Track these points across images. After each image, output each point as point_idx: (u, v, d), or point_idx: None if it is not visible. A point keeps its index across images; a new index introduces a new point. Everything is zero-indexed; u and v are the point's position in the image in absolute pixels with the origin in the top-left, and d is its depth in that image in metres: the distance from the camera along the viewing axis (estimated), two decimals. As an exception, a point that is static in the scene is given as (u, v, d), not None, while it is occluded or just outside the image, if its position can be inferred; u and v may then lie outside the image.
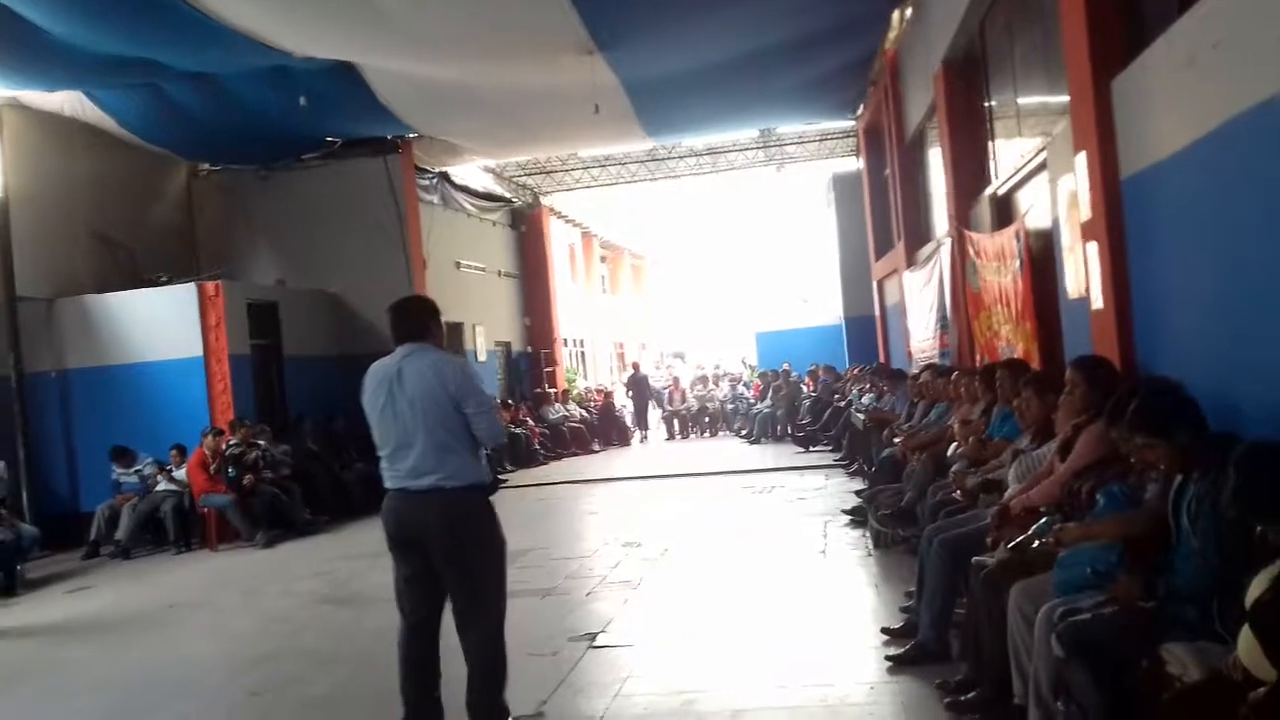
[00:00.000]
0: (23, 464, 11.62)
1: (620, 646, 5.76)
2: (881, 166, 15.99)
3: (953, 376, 8.28)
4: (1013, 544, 4.17)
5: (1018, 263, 7.27)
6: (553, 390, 20.66)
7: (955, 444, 6.75)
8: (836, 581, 6.94)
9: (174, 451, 11.31)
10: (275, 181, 15.10)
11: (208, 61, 10.68)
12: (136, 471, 11.31)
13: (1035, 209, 7.28)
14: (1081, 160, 5.34)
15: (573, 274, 26.06)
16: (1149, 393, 3.55)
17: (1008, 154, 8.48)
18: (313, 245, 14.90)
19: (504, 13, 9.79)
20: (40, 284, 12.17)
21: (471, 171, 19.06)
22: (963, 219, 9.57)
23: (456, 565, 4.17)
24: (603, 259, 30.69)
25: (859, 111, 17.07)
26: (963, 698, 4.24)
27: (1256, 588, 2.55)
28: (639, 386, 22.10)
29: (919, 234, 13.08)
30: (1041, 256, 6.93)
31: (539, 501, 12.60)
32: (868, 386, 13.51)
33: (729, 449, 17.64)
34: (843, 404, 14.97)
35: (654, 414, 22.85)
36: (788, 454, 15.48)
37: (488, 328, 18.97)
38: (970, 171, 9.61)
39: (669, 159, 20.64)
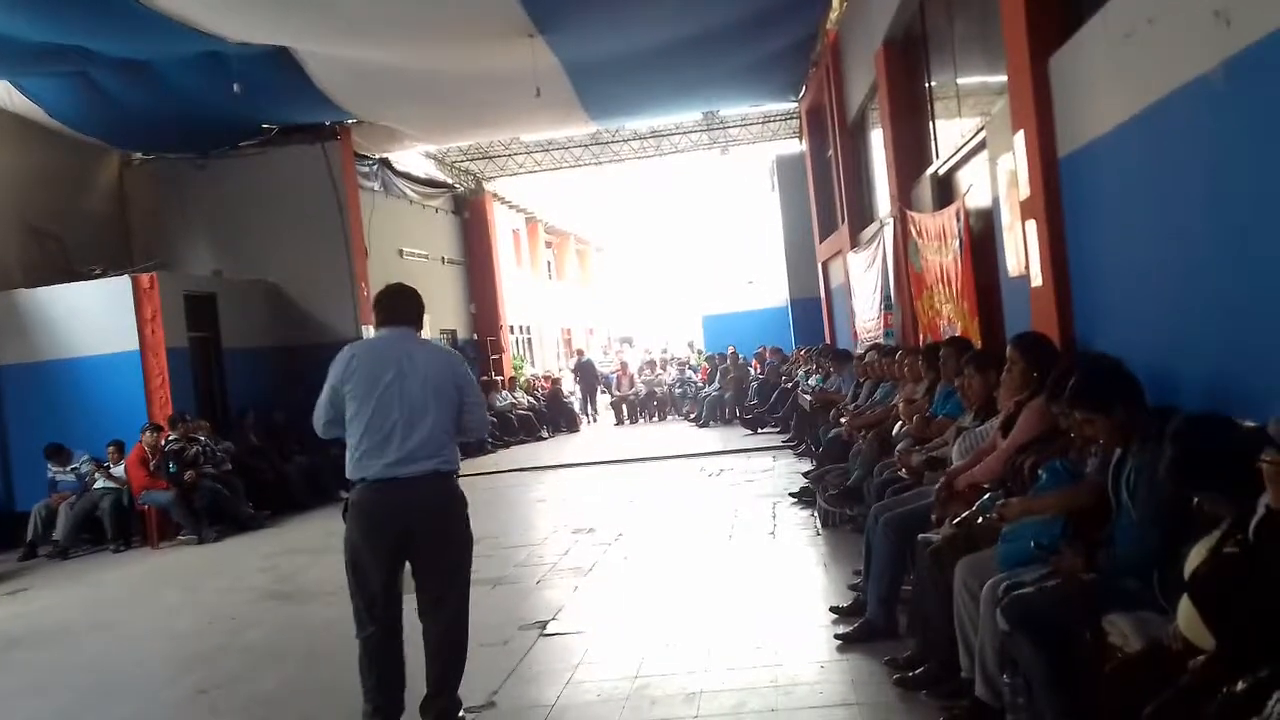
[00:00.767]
0: (-46, 464, 11.30)
1: (571, 633, 5.74)
2: (824, 148, 16.05)
3: (897, 356, 8.36)
4: (957, 520, 4.21)
5: (958, 242, 7.34)
6: (500, 378, 20.54)
7: (900, 423, 6.81)
8: (786, 562, 6.98)
9: (111, 448, 11.05)
10: (211, 170, 14.78)
11: (138, 48, 10.40)
12: (73, 469, 11.04)
13: (975, 188, 7.35)
14: (1020, 139, 5.38)
15: (518, 260, 25.89)
16: (1088, 369, 3.59)
17: (948, 133, 8.55)
18: (250, 235, 14.61)
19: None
20: (-32, 279, 11.82)
21: (413, 158, 18.83)
22: (905, 199, 9.64)
23: (445, 551, 4.16)
24: (548, 244, 30.53)
25: (801, 93, 17.12)
26: (911, 674, 4.28)
27: (1194, 558, 2.59)
28: (586, 372, 22.27)
29: (862, 215, 13.16)
30: (982, 235, 7.00)
31: (488, 490, 12.52)
32: (814, 368, 13.59)
33: (677, 433, 17.67)
34: (790, 385, 15.07)
35: (602, 399, 22.91)
36: (736, 436, 15.54)
37: (433, 316, 18.64)
38: (911, 151, 9.67)
39: (613, 142, 20.56)
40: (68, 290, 11.97)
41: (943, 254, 7.93)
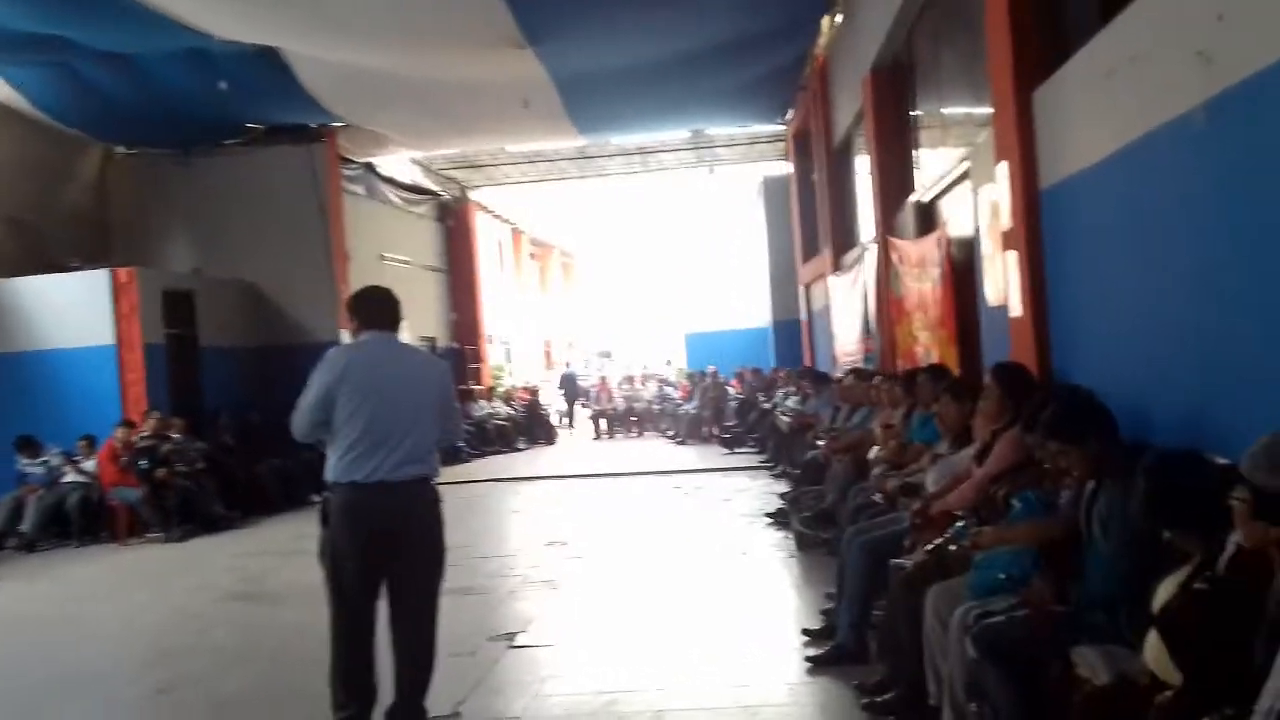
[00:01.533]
0: (-79, 454, 11.13)
1: (540, 646, 5.72)
2: (810, 171, 16.13)
3: (875, 381, 8.39)
4: (930, 547, 4.23)
5: (938, 270, 7.39)
6: (478, 387, 20.47)
7: (877, 447, 6.83)
8: (759, 582, 6.97)
9: (82, 442, 10.93)
10: (194, 167, 14.68)
11: (122, 41, 10.36)
12: (43, 462, 10.91)
13: (957, 217, 7.40)
14: (1003, 170, 5.43)
15: (501, 270, 25.82)
16: (1063, 400, 3.61)
17: (932, 162, 8.62)
18: (232, 234, 14.51)
19: (434, 2, 9.66)
20: (-56, 267, 11.71)
21: (398, 163, 18.77)
22: (888, 225, 9.70)
23: (425, 556, 4.16)
24: (532, 256, 30.47)
25: (789, 116, 17.21)
26: (879, 699, 4.28)
27: (1163, 594, 2.61)
28: (570, 384, 22.42)
29: (845, 239, 13.22)
30: (963, 264, 7.05)
31: (461, 500, 12.40)
32: (793, 389, 13.62)
33: (655, 449, 17.67)
34: (768, 406, 15.09)
35: (581, 412, 22.97)
36: (713, 455, 15.55)
37: (412, 322, 18.63)
38: (896, 179, 9.73)
39: (600, 157, 20.58)
40: (44, 282, 11.88)
41: (922, 281, 7.98)
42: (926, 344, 7.99)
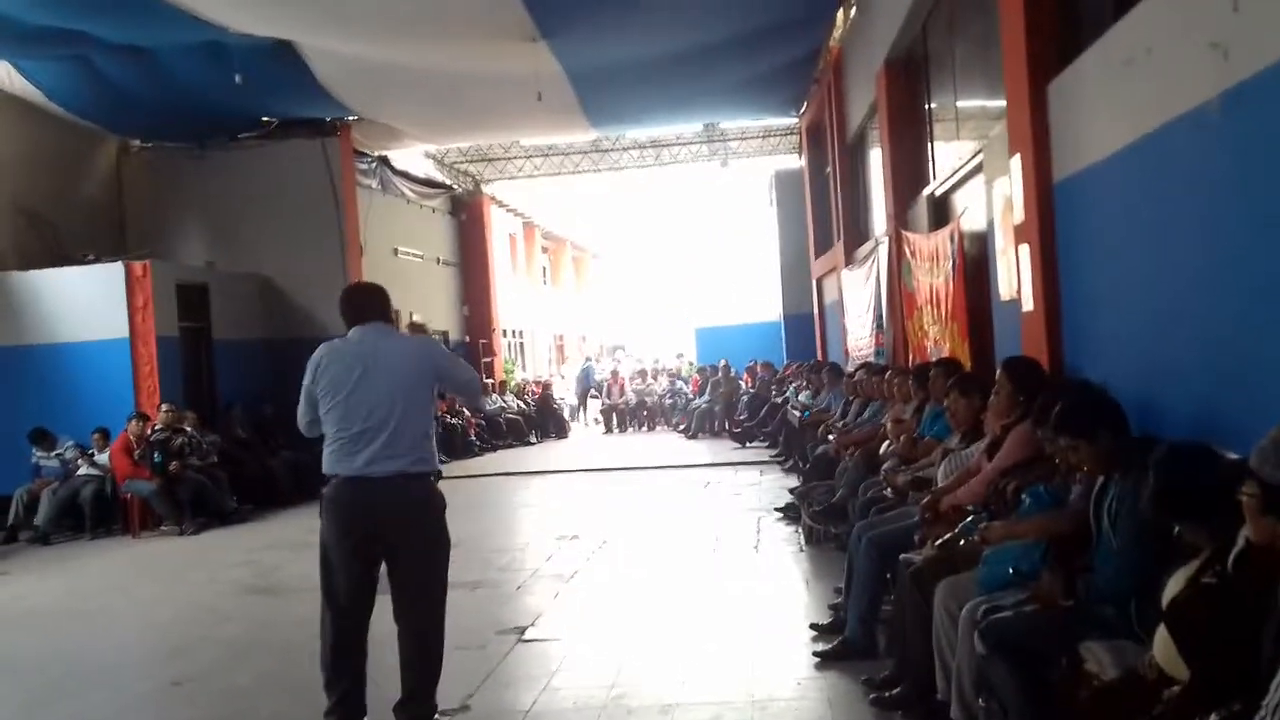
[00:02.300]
0: (-64, 446, 11.22)
1: (549, 640, 5.72)
2: (823, 164, 16.09)
3: (886, 375, 8.37)
4: (940, 541, 4.21)
5: (950, 264, 7.35)
6: (490, 381, 20.50)
7: (888, 442, 6.81)
8: (768, 577, 6.96)
9: (96, 435, 10.99)
10: (209, 161, 14.73)
11: (140, 34, 10.38)
12: (57, 455, 10.97)
13: (971, 211, 7.37)
14: (1016, 163, 5.40)
15: (513, 264, 25.87)
16: (1073, 395, 3.60)
17: (946, 155, 8.57)
18: (246, 227, 14.56)
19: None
20: (-40, 260, 11.78)
21: (412, 157, 18.81)
22: (901, 219, 9.66)
23: (415, 551, 4.09)
24: (544, 250, 30.51)
25: (802, 109, 17.17)
26: (887, 694, 4.27)
27: (1172, 587, 2.59)
28: (585, 378, 22.61)
29: (858, 233, 13.18)
30: (975, 258, 7.01)
31: (473, 493, 12.48)
32: (805, 383, 13.60)
33: (666, 443, 17.65)
34: (780, 400, 15.07)
35: (592, 404, 23.04)
36: (724, 449, 15.53)
37: (425, 316, 18.74)
38: (909, 172, 9.70)
39: (612, 150, 20.60)
40: (60, 275, 11.93)
41: (934, 275, 7.95)
42: (937, 338, 7.96)
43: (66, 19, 9.66)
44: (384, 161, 17.19)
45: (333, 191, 14.68)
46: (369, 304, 4.28)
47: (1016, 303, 5.68)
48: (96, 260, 12.26)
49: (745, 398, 17.71)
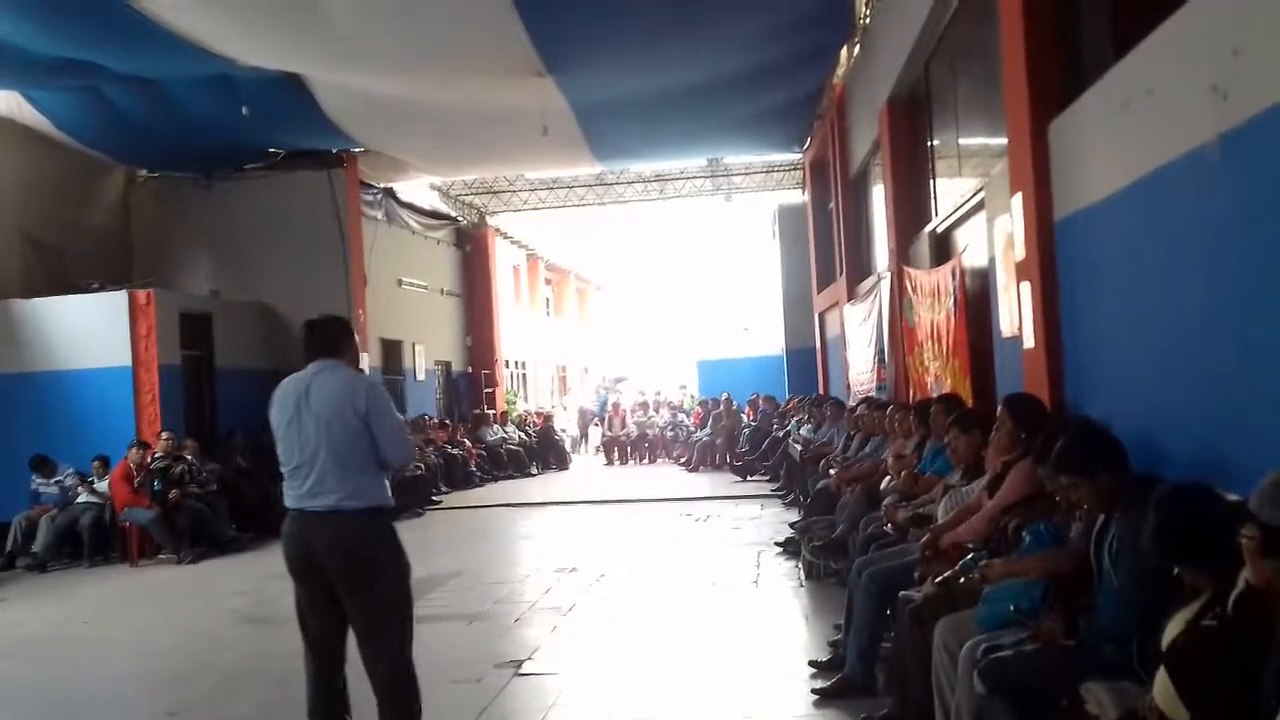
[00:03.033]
0: (-64, 472, 11.21)
1: (546, 674, 5.68)
2: (826, 200, 16.16)
3: (888, 411, 8.37)
4: (940, 579, 4.19)
5: (952, 300, 7.37)
6: (492, 411, 20.50)
7: (888, 477, 6.80)
8: (767, 612, 6.92)
9: (96, 462, 10.98)
10: (215, 191, 14.85)
11: (150, 66, 10.48)
12: (57, 482, 10.96)
13: (972, 248, 7.39)
14: (1018, 201, 5.43)
15: (516, 295, 25.94)
16: (1074, 433, 3.59)
17: (948, 192, 8.62)
18: (251, 257, 14.65)
19: (455, 31, 9.75)
20: (-35, 286, 11.83)
21: (417, 189, 18.92)
22: (903, 255, 9.69)
23: (355, 590, 4.02)
24: (548, 281, 30.61)
25: (805, 145, 17.27)
26: (886, 732, 4.24)
27: (1172, 629, 2.57)
28: (602, 406, 23.03)
29: (860, 268, 13.22)
30: (977, 295, 7.03)
31: (473, 524, 12.45)
32: (806, 417, 13.58)
33: (667, 476, 17.61)
34: (781, 434, 15.04)
35: (593, 437, 23.12)
36: (725, 483, 15.49)
37: (428, 346, 18.79)
38: (911, 208, 9.74)
39: (617, 184, 20.71)
40: (64, 302, 11.98)
41: (935, 311, 7.97)
42: (938, 374, 7.96)
43: (78, 50, 9.77)
44: (389, 193, 17.29)
45: (338, 222, 14.77)
46: (316, 339, 4.22)
47: (1018, 339, 5.69)
48: (102, 288, 12.32)
49: (746, 431, 17.69)
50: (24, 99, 11.61)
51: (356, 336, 4.40)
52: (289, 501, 4.10)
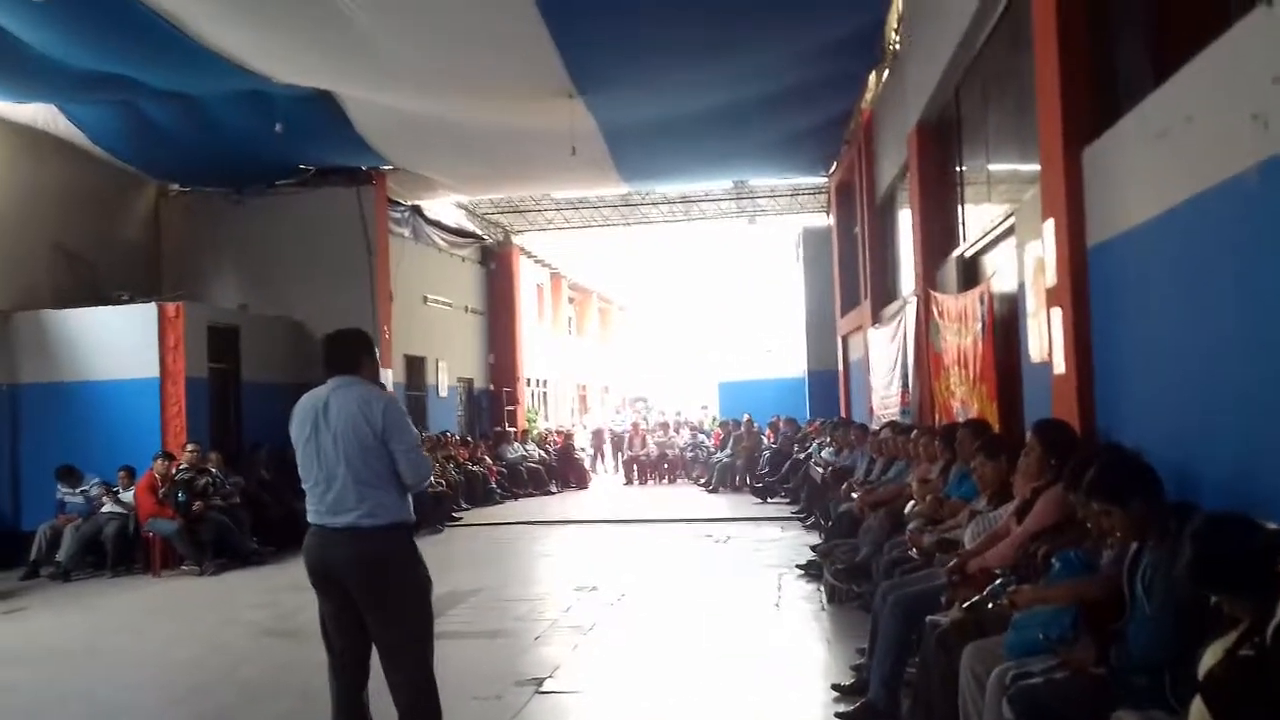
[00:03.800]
0: (-35, 479, 11.33)
1: (567, 693, 5.66)
2: (851, 224, 16.17)
3: (912, 435, 8.33)
4: (967, 604, 4.15)
5: (980, 325, 7.34)
6: (513, 429, 20.53)
7: (913, 502, 6.76)
8: (789, 635, 6.88)
9: (122, 473, 11.05)
10: (246, 206, 15.02)
11: (186, 82, 10.63)
12: (82, 492, 11.04)
13: (1001, 273, 7.37)
14: (1050, 227, 5.41)
15: (540, 314, 26.05)
16: (1107, 460, 3.56)
17: (977, 218, 8.59)
18: (279, 272, 14.78)
19: (490, 52, 9.86)
20: (-1, 295, 11.97)
21: (444, 207, 19.07)
22: (929, 279, 9.67)
23: (375, 606, 4.03)
24: (571, 300, 30.73)
25: (832, 169, 17.29)
26: (911, 759, 4.20)
27: (1209, 659, 2.55)
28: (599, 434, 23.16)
29: (885, 292, 13.20)
30: (1005, 320, 7.00)
31: (493, 541, 12.45)
32: (828, 440, 13.54)
33: (687, 496, 17.58)
34: (802, 457, 14.99)
35: (609, 456, 23.22)
36: (746, 504, 15.44)
37: (451, 363, 18.87)
38: (939, 233, 9.72)
39: (642, 205, 20.78)
40: (93, 314, 12.11)
41: (962, 336, 7.93)
42: (964, 399, 7.92)
43: (114, 65, 9.91)
44: (417, 211, 17.44)
45: (366, 239, 14.89)
46: (336, 354, 4.25)
47: (1047, 365, 5.66)
48: (131, 300, 12.45)
49: (767, 453, 17.64)
50: (59, 111, 11.77)
51: (377, 351, 4.40)
52: (311, 517, 4.13)
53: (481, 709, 5.23)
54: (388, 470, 4.03)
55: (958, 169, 9.36)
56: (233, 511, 11.08)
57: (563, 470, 19.92)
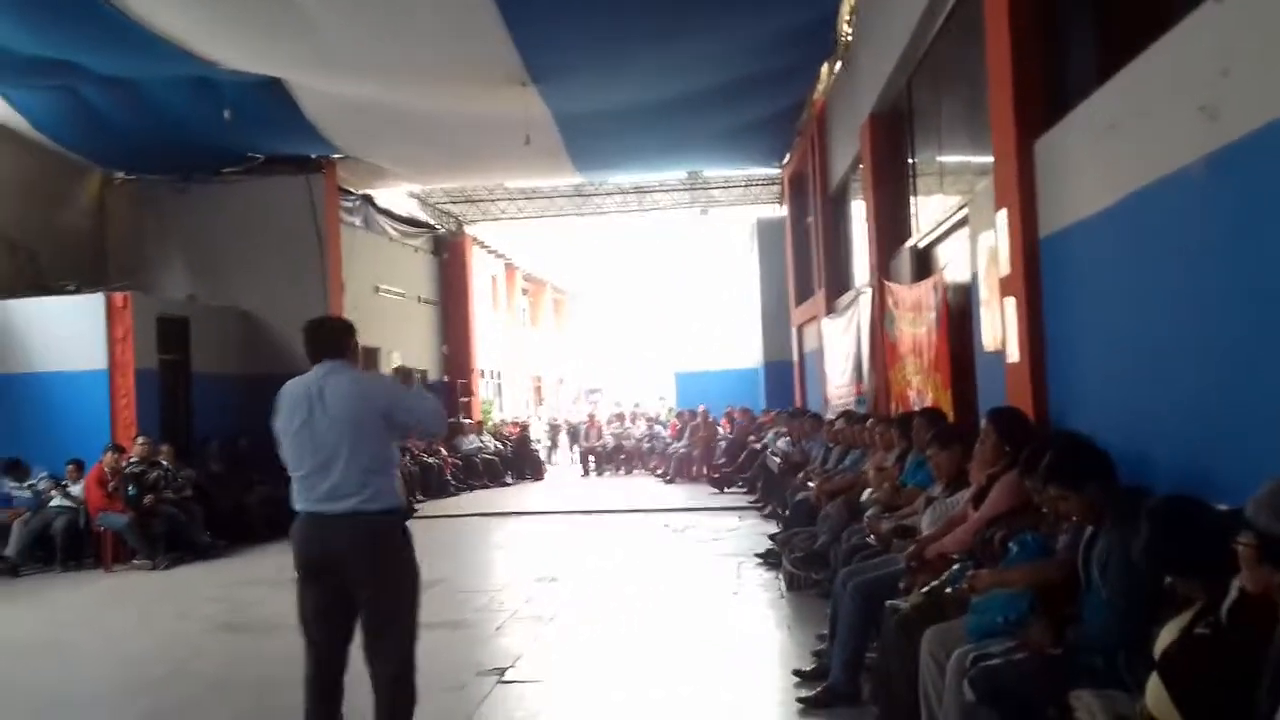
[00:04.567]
0: (-94, 474, 11.03)
1: (529, 682, 5.67)
2: (805, 215, 16.28)
3: (868, 423, 8.43)
4: (926, 589, 4.23)
5: (933, 315, 7.44)
6: (468, 421, 20.43)
7: (870, 489, 6.85)
8: (748, 623, 6.94)
9: (71, 466, 10.85)
10: (192, 194, 14.73)
11: (130, 67, 10.41)
12: (30, 486, 10.81)
13: (954, 263, 7.47)
14: (1002, 217, 5.50)
15: (494, 305, 25.90)
16: (1063, 446, 3.65)
17: (929, 209, 8.70)
18: (228, 261, 14.54)
19: (441, 38, 9.76)
20: (-63, 286, 11.69)
21: (396, 196, 18.89)
22: (883, 270, 9.77)
23: (373, 592, 4.02)
24: (524, 291, 30.59)
25: (785, 160, 17.38)
26: (872, 741, 4.26)
27: (1165, 638, 2.62)
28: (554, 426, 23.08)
29: (839, 282, 13.31)
30: (958, 310, 7.10)
31: (450, 533, 12.39)
32: (783, 430, 13.64)
33: (644, 487, 17.61)
34: (758, 447, 15.09)
35: (563, 447, 23.15)
36: (703, 494, 15.52)
37: (404, 354, 18.69)
38: (892, 224, 9.82)
39: (596, 195, 20.73)
40: (39, 304, 11.85)
41: (917, 326, 8.04)
42: (919, 387, 8.03)
43: (56, 49, 9.69)
44: (368, 200, 17.26)
45: (316, 228, 14.70)
46: (322, 340, 4.21)
47: (1000, 353, 5.76)
48: (77, 291, 12.18)
49: (723, 443, 17.74)
50: (1, 98, 11.49)
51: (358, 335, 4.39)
52: (302, 505, 4.05)
53: (444, 699, 5.22)
54: (387, 454, 4.09)
55: (910, 160, 9.47)
56: (185, 505, 10.93)
57: (518, 462, 19.87)
